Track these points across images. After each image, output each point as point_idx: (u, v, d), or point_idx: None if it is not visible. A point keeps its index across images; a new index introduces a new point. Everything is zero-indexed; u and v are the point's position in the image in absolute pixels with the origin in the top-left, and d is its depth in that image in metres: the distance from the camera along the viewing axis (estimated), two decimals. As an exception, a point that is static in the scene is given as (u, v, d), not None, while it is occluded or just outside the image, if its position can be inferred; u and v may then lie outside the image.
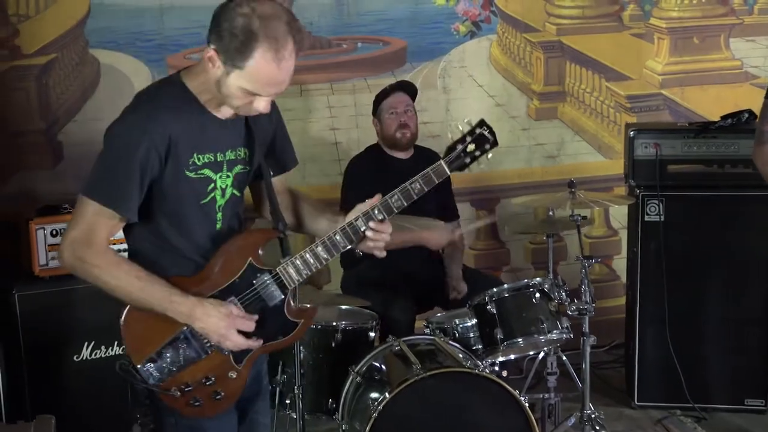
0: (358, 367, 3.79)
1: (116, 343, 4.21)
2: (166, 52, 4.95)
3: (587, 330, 4.07)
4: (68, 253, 2.43)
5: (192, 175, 2.49)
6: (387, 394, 3.50)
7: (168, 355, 2.48)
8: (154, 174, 2.43)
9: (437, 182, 2.61)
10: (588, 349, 4.10)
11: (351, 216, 2.59)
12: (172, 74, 2.56)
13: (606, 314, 5.27)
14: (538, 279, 4.07)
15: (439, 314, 4.33)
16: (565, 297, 4.02)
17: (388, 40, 5.29)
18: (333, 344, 3.95)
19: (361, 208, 2.60)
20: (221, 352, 2.51)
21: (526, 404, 3.55)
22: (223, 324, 2.45)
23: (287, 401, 3.93)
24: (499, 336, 3.94)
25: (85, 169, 4.83)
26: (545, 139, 5.54)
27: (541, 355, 4.35)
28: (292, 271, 2.56)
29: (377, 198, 2.59)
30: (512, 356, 4.11)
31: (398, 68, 5.29)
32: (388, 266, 4.33)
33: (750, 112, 4.65)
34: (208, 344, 2.50)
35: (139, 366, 2.48)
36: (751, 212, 4.54)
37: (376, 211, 2.58)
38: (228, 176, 2.57)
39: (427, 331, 4.10)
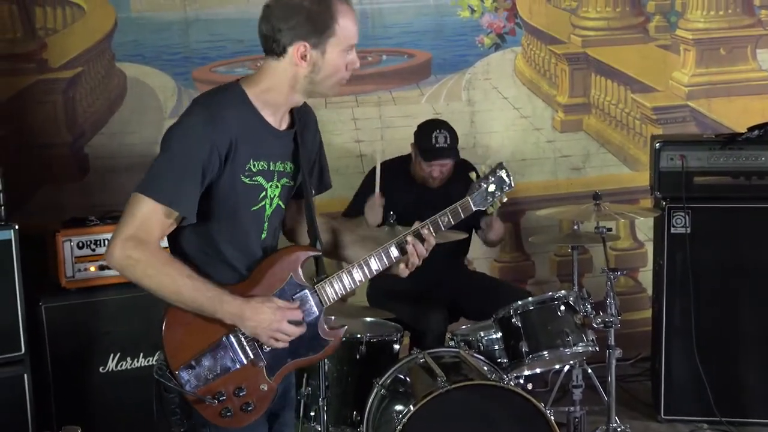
0: (383, 379, 3.79)
1: (142, 354, 4.23)
2: (192, 65, 4.98)
3: (613, 343, 4.04)
4: (119, 251, 2.39)
5: (247, 180, 2.50)
6: (412, 407, 3.49)
7: (206, 362, 2.47)
8: (213, 175, 2.44)
9: (463, 217, 2.73)
10: (614, 362, 4.08)
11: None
12: (231, 82, 2.57)
13: (632, 327, 5.24)
14: (563, 292, 4.05)
15: (464, 326, 4.32)
16: (590, 310, 4.00)
17: (412, 52, 5.30)
18: (357, 356, 3.95)
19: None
20: (255, 364, 2.51)
21: (552, 418, 3.53)
22: (276, 317, 2.46)
23: (312, 413, 3.92)
24: (525, 349, 3.92)
25: (111, 182, 4.89)
26: (570, 151, 5.52)
27: (567, 368, 4.33)
28: (329, 289, 2.61)
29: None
30: (538, 369, 4.09)
31: (423, 80, 5.30)
32: (416, 277, 4.35)
33: (777, 123, 4.62)
34: (247, 354, 2.49)
35: (177, 371, 2.47)
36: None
37: (408, 239, 2.64)
38: (277, 186, 2.58)
39: (452, 343, 4.09)
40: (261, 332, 2.46)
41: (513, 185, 2.77)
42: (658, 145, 4.61)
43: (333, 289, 2.61)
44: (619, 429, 4.15)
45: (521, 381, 3.88)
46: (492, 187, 2.76)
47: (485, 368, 3.77)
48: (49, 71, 4.76)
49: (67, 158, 4.82)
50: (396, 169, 4.54)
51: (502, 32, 5.36)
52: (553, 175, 5.49)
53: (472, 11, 5.31)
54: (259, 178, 2.52)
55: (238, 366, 2.49)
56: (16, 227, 3.94)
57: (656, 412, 4.67)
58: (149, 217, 2.40)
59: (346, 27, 2.47)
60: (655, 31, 5.56)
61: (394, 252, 2.64)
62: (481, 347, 4.03)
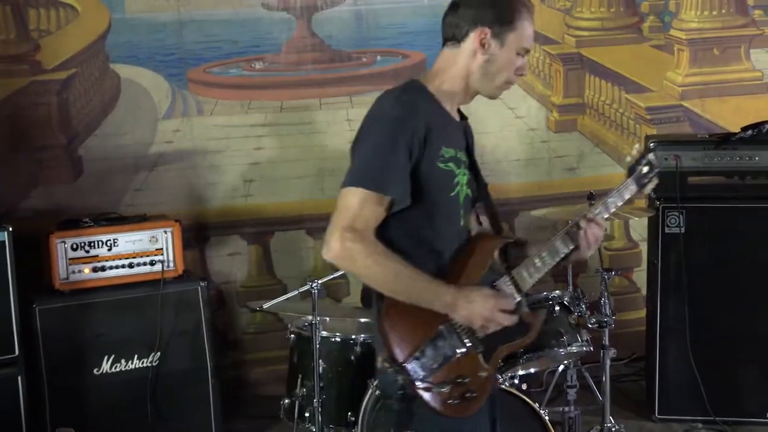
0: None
1: (136, 356, 4.23)
2: (186, 66, 4.98)
3: (607, 343, 4.05)
4: (338, 245, 2.40)
5: (442, 166, 2.52)
6: (406, 408, 3.49)
7: (428, 353, 2.48)
8: (415, 161, 2.47)
9: (627, 198, 2.79)
10: (608, 362, 4.08)
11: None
12: (409, 80, 2.62)
13: (626, 327, 5.24)
14: (557, 292, 4.04)
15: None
16: (584, 310, 4.00)
17: (407, 53, 5.30)
18: (352, 357, 3.94)
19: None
20: (473, 350, 2.53)
21: (547, 418, 3.54)
22: (488, 305, 2.47)
23: (306, 414, 3.92)
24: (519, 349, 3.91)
25: (105, 184, 4.89)
26: (565, 151, 5.52)
27: (561, 368, 4.33)
28: (525, 274, 2.61)
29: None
30: (532, 369, 4.07)
31: (417, 81, 5.29)
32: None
33: (771, 123, 4.63)
34: (463, 342, 2.51)
35: (404, 364, 2.47)
36: (773, 223, 4.52)
37: (581, 224, 2.65)
38: (464, 174, 2.62)
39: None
40: (474, 320, 2.48)
41: (660, 168, 2.82)
42: (652, 145, 4.61)
43: (528, 273, 2.62)
44: (613, 429, 4.15)
45: (516, 381, 3.87)
46: (645, 169, 2.79)
47: (480, 368, 3.77)
48: (42, 73, 4.75)
49: (61, 160, 4.81)
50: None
51: (496, 32, 5.36)
52: (547, 176, 5.49)
53: (467, 12, 5.31)
54: (451, 164, 2.55)
55: (457, 354, 2.51)
56: (10, 229, 3.94)
57: (651, 412, 4.67)
58: (362, 208, 2.42)
59: (525, 27, 2.56)
60: (649, 31, 5.56)
61: (574, 235, 2.66)
62: (476, 347, 4.02)
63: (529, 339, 2.65)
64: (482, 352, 2.54)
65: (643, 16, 5.54)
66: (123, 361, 4.22)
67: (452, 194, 2.57)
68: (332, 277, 3.93)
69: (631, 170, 2.78)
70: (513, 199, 5.41)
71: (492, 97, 2.65)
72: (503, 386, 3.56)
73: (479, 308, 2.46)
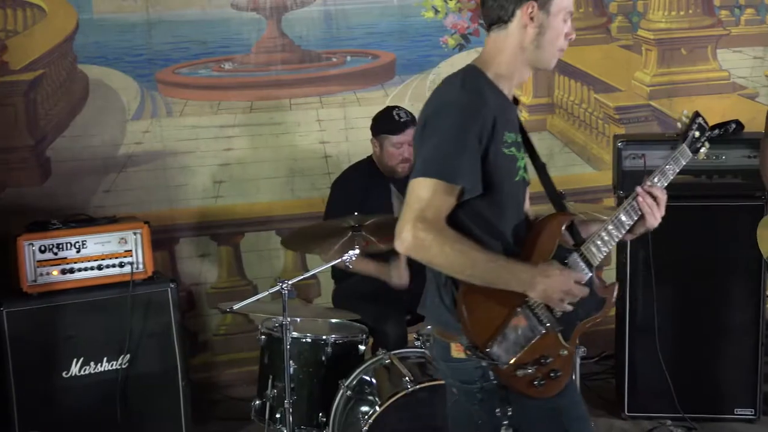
0: (348, 380, 3.79)
1: (105, 359, 4.21)
2: (155, 67, 4.96)
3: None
4: (410, 235, 2.40)
5: (506, 151, 2.53)
6: (377, 408, 3.50)
7: (510, 335, 2.48)
8: (483, 148, 2.47)
9: (684, 164, 2.83)
10: (578, 360, 4.09)
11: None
12: (465, 67, 2.61)
13: (596, 325, 5.24)
14: (527, 291, 4.06)
15: (429, 327, 4.30)
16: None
17: (377, 53, 5.31)
18: (323, 358, 3.94)
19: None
20: (552, 329, 2.54)
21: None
22: (564, 278, 2.49)
23: (277, 415, 3.91)
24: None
25: (74, 185, 4.86)
26: (534, 150, 5.54)
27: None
28: (593, 249, 2.63)
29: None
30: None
31: (387, 81, 5.30)
32: (379, 279, 4.36)
33: (737, 122, 4.63)
34: (543, 321, 2.52)
35: (487, 349, 2.47)
36: (739, 222, 4.54)
37: (655, 180, 2.72)
38: (523, 158, 2.63)
39: (418, 343, 4.08)
40: (552, 295, 2.48)
41: (710, 132, 2.94)
42: (620, 144, 4.64)
43: (596, 248, 2.63)
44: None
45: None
46: (697, 134, 2.88)
47: (451, 368, 3.78)
48: (9, 74, 4.72)
49: (28, 161, 4.78)
50: (363, 170, 4.53)
51: (466, 33, 5.38)
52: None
53: (436, 12, 5.33)
54: (513, 149, 2.56)
55: (538, 335, 2.52)
56: (-23, 232, 3.91)
57: (620, 410, 4.70)
58: (433, 197, 2.42)
59: None
60: (618, 31, 5.60)
61: (636, 205, 2.69)
62: (447, 347, 4.03)
63: (605, 313, 2.68)
64: (561, 330, 2.56)
65: (612, 17, 5.58)
66: (92, 363, 4.19)
67: (516, 179, 2.58)
68: (302, 277, 3.92)
69: (684, 136, 2.84)
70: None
71: (548, 67, 2.65)
72: (474, 385, 3.56)
73: (556, 282, 2.47)
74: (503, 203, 2.55)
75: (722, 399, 4.62)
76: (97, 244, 4.24)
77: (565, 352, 2.58)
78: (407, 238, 2.41)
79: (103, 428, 4.18)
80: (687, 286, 4.60)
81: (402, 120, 4.42)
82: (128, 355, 4.24)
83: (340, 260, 3.81)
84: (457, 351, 2.52)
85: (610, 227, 2.66)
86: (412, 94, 5.26)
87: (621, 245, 4.72)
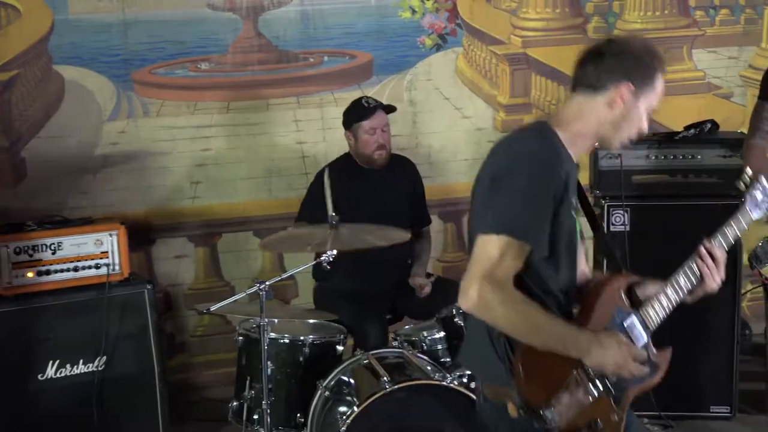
0: (326, 381, 3.78)
1: (81, 361, 4.18)
2: (131, 67, 4.94)
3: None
4: (476, 294, 2.38)
5: (573, 213, 2.55)
6: (355, 408, 3.49)
7: (564, 399, 2.47)
8: (554, 208, 2.45)
9: (745, 228, 2.80)
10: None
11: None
12: (541, 121, 2.61)
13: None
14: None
15: (407, 327, 4.32)
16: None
17: (354, 53, 5.30)
18: (301, 358, 3.94)
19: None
20: (605, 395, 2.52)
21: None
22: (622, 353, 2.48)
23: (255, 416, 3.90)
24: (469, 344, 3.93)
25: (49, 186, 4.83)
26: (512, 150, 5.55)
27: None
28: (651, 312, 2.65)
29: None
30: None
31: (365, 81, 5.30)
32: (359, 278, 4.36)
33: (712, 122, 4.70)
34: (597, 386, 2.51)
35: (541, 411, 2.44)
36: (714, 221, 4.52)
37: (716, 241, 2.72)
38: (579, 221, 2.63)
39: (396, 343, 4.09)
40: (607, 366, 2.47)
41: None
42: (596, 144, 4.65)
43: (655, 311, 2.65)
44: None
45: (465, 380, 3.88)
46: (760, 196, 2.82)
47: (429, 368, 3.78)
48: (-17, 74, 4.68)
49: (3, 163, 4.75)
50: (341, 165, 4.53)
51: (443, 33, 5.38)
52: (494, 175, 5.51)
53: (413, 12, 5.33)
54: (575, 212, 2.57)
55: (591, 399, 2.50)
56: (-49, 233, 3.88)
57: (598, 409, 4.71)
58: (504, 256, 2.39)
59: (659, 88, 2.56)
60: (594, 31, 5.62)
61: (695, 268, 2.70)
62: (425, 347, 4.03)
63: (657, 378, 2.67)
64: (614, 395, 2.54)
65: (588, 17, 5.60)
66: (68, 366, 4.16)
67: (575, 241, 2.59)
68: (280, 278, 3.91)
69: (746, 198, 2.83)
70: (460, 198, 5.43)
71: (610, 148, 2.70)
72: (452, 385, 3.57)
73: (613, 355, 2.46)
74: (559, 264, 2.53)
75: (698, 397, 4.65)
76: (72, 245, 4.21)
77: (616, 418, 2.56)
78: (473, 297, 2.38)
79: (80, 431, 4.16)
80: None
81: (371, 105, 4.47)
82: (104, 357, 4.21)
83: (318, 261, 3.81)
84: (513, 410, 2.48)
85: (669, 290, 2.67)
86: (389, 94, 5.26)
87: (598, 244, 4.75)
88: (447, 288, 4.53)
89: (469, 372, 3.95)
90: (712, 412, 4.63)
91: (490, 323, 2.44)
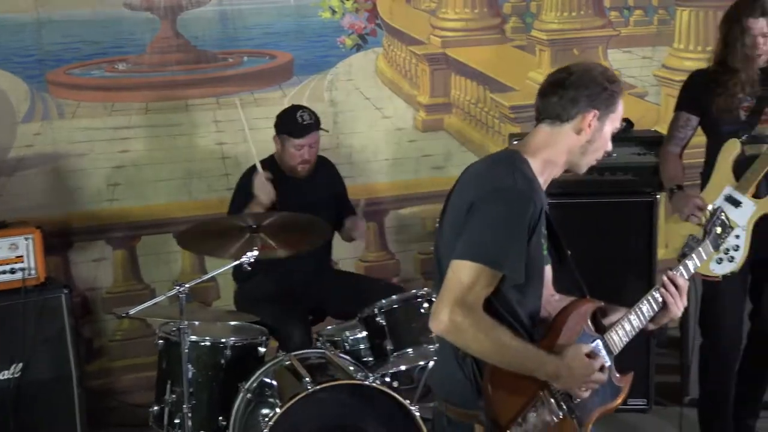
0: (249, 383, 3.77)
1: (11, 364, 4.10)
2: (46, 67, 4.85)
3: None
4: (447, 318, 2.42)
5: (543, 242, 2.60)
6: (278, 410, 3.49)
7: (531, 419, 2.51)
8: (528, 237, 2.50)
9: (705, 259, 2.93)
10: (478, 357, 4.14)
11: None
12: (512, 150, 2.69)
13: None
14: (426, 289, 4.10)
15: (329, 327, 4.33)
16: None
17: (274, 53, 5.28)
18: (222, 361, 3.91)
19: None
20: (569, 415, 2.56)
21: (417, 414, 3.57)
22: (587, 371, 2.54)
23: (176, 421, 3.87)
24: (389, 347, 3.96)
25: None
26: (432, 150, 5.59)
27: (431, 364, 4.37)
28: (615, 337, 2.71)
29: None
30: (402, 367, 4.10)
31: (285, 82, 5.28)
32: (281, 279, 4.35)
33: (627, 120, 4.78)
34: (561, 407, 2.55)
35: (508, 430, 2.49)
36: (630, 217, 4.67)
37: (677, 272, 2.80)
38: (547, 247, 2.67)
39: (318, 344, 4.09)
40: (574, 383, 2.54)
41: (732, 226, 3.07)
42: (515, 142, 4.70)
43: (618, 337, 2.71)
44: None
45: (387, 379, 3.91)
46: (719, 230, 2.99)
47: (351, 368, 3.80)
48: None
49: None
50: (265, 166, 4.50)
51: (363, 33, 5.39)
52: (415, 174, 5.55)
53: (333, 12, 5.32)
54: (544, 240, 2.61)
55: (556, 420, 2.54)
56: None
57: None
58: (475, 283, 2.44)
59: (620, 110, 2.68)
60: (512, 32, 5.68)
61: (658, 296, 2.76)
62: (347, 347, 4.05)
63: (619, 401, 2.74)
64: (577, 417, 2.59)
65: (506, 17, 5.66)
66: (-6, 371, 4.10)
67: (542, 269, 2.64)
68: (200, 280, 3.88)
69: (707, 231, 2.97)
70: (382, 198, 5.46)
71: (579, 172, 2.74)
72: (374, 384, 3.58)
73: (579, 375, 2.53)
74: (527, 290, 2.58)
75: (624, 390, 4.73)
76: (-14, 250, 4.14)
77: None
78: (444, 321, 2.44)
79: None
80: (583, 280, 4.69)
81: (305, 123, 4.42)
82: (21, 364, 4.15)
83: (238, 262, 3.79)
84: (479, 429, 2.54)
85: (632, 317, 2.74)
86: (310, 95, 5.25)
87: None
88: (369, 287, 4.55)
89: (391, 371, 3.99)
90: (629, 405, 4.72)
91: (461, 346, 2.50)
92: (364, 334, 4.04)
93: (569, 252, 2.82)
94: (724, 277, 3.93)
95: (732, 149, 3.91)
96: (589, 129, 2.62)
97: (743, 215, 3.89)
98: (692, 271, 2.84)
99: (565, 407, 2.57)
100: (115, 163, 5.01)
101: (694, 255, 2.87)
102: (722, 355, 4.14)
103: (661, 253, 4.75)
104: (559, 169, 2.70)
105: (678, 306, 2.76)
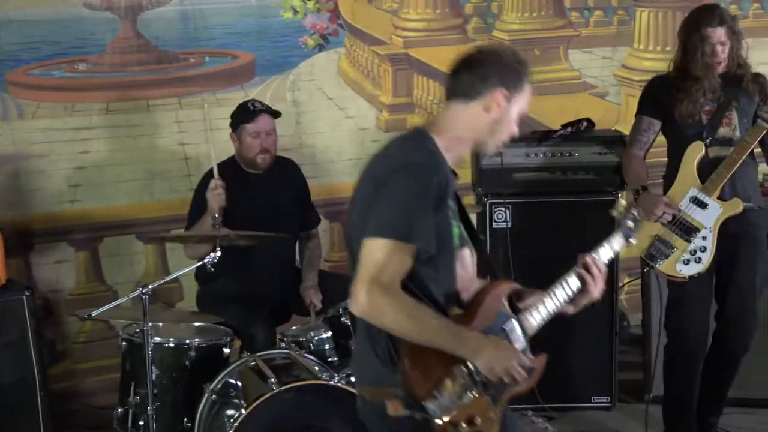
0: (213, 384, 3.76)
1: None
2: (5, 68, 4.81)
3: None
4: (365, 299, 2.41)
5: (451, 218, 2.59)
6: (243, 411, 3.48)
7: (446, 392, 2.49)
8: (434, 210, 2.50)
9: (618, 251, 2.97)
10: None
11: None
12: (419, 128, 2.68)
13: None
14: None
15: (294, 327, 4.33)
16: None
17: (236, 53, 5.27)
18: (186, 362, 3.90)
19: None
20: (484, 393, 2.55)
21: (382, 413, 3.58)
22: (510, 358, 2.53)
23: (141, 423, 3.84)
24: (354, 347, 3.96)
25: None
26: (395, 150, 5.59)
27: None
28: (531, 319, 2.71)
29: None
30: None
31: (247, 82, 5.26)
32: (244, 280, 4.34)
33: (588, 120, 4.84)
34: (477, 383, 2.54)
35: (423, 402, 2.47)
36: (592, 216, 4.68)
37: (578, 270, 2.80)
38: (458, 226, 2.67)
39: (283, 344, 4.09)
40: (495, 367, 2.51)
41: (642, 219, 3.06)
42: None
43: (534, 318, 2.71)
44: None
45: (352, 379, 3.90)
46: (631, 224, 3.00)
47: (316, 368, 3.80)
48: None
49: None
50: (227, 169, 4.49)
51: (325, 33, 5.39)
52: (379, 174, 5.55)
53: (295, 12, 5.32)
54: (453, 217, 2.61)
55: (471, 396, 2.53)
56: None
57: (483, 402, 4.79)
58: (389, 259, 2.43)
59: (528, 92, 2.68)
60: (474, 32, 5.71)
61: (574, 281, 2.78)
62: (312, 347, 4.04)
63: (532, 381, 2.73)
64: (492, 394, 2.59)
65: (468, 18, 5.68)
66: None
67: (454, 246, 2.64)
68: (163, 281, 3.87)
69: (619, 223, 2.99)
70: (345, 198, 5.41)
71: (487, 152, 2.79)
72: (339, 384, 3.59)
73: (502, 359, 2.52)
74: (439, 267, 2.58)
75: (580, 388, 4.78)
76: (-55, 252, 4.09)
77: (493, 416, 2.63)
78: (363, 302, 2.43)
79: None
80: (544, 279, 4.58)
81: (256, 109, 4.46)
82: (-18, 367, 4.10)
83: (201, 263, 3.78)
84: (393, 409, 2.51)
85: (547, 300, 2.75)
86: (272, 95, 5.24)
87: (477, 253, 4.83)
88: (333, 286, 4.55)
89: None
90: (594, 403, 4.77)
91: (381, 326, 2.49)
92: (329, 334, 4.04)
93: (481, 237, 2.85)
94: (691, 278, 3.98)
95: (697, 151, 3.97)
96: (497, 107, 2.62)
97: (709, 217, 3.94)
98: (606, 261, 2.87)
99: (480, 384, 2.57)
100: (76, 164, 4.97)
101: (605, 244, 2.90)
102: (689, 356, 4.18)
103: (623, 251, 4.79)
104: (466, 147, 2.71)
105: (597, 285, 2.78)
